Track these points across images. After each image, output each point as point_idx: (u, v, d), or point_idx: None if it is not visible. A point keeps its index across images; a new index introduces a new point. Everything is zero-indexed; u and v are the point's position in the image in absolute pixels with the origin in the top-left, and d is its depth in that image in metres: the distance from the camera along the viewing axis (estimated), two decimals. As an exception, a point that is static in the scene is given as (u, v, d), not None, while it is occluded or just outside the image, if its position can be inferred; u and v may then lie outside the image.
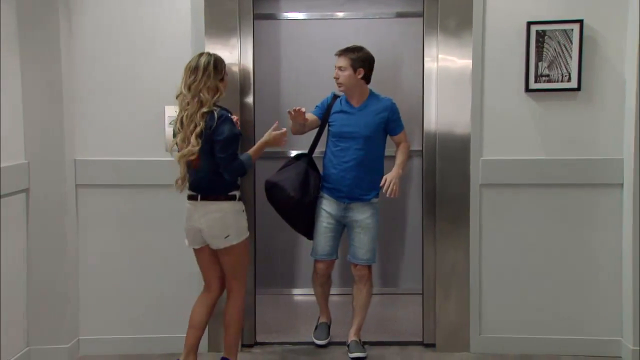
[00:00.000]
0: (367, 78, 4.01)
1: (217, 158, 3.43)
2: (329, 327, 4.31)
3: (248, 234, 3.62)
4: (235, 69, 4.01)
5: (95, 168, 4.04)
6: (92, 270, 4.10)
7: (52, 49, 3.85)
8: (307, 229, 4.13)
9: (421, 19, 4.15)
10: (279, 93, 5.17)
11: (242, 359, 4.04)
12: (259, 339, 4.28)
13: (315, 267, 4.18)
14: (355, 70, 3.94)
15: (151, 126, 4.00)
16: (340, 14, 5.24)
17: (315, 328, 4.34)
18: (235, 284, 3.62)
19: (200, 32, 3.97)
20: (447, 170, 4.07)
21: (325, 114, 4.07)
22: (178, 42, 3.97)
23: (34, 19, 3.82)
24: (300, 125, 3.98)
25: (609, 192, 4.01)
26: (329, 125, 4.07)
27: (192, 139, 3.38)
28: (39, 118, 3.88)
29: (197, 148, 3.38)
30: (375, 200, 4.04)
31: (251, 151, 3.63)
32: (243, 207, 3.60)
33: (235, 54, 4.02)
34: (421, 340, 4.26)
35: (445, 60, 4.02)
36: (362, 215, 4.00)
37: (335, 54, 3.99)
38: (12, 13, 3.76)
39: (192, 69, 3.44)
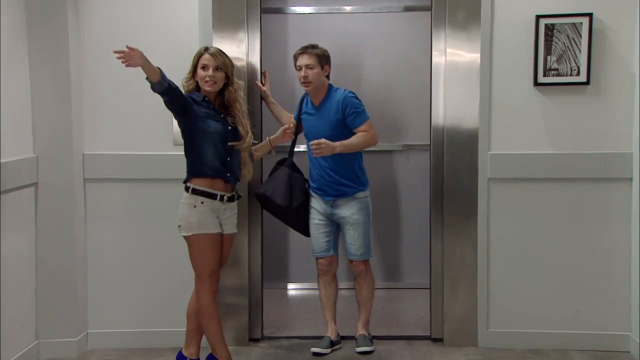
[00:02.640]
0: (328, 75, 3.97)
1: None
2: (332, 343, 4.06)
3: (202, 232, 3.44)
4: (243, 63, 4.01)
5: (103, 162, 4.05)
6: (101, 264, 4.11)
7: (60, 43, 3.86)
8: (305, 228, 4.10)
9: (429, 12, 4.13)
10: (286, 87, 5.16)
11: (250, 353, 4.05)
12: (266, 333, 4.28)
13: (317, 265, 4.14)
14: (322, 67, 3.89)
15: (158, 120, 4.00)
16: (348, 8, 5.23)
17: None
18: (197, 281, 3.53)
19: (207, 26, 3.97)
20: (455, 164, 4.06)
21: (299, 113, 4.08)
22: (186, 36, 3.97)
23: (43, 12, 3.83)
24: (284, 121, 4.12)
25: (618, 186, 3.99)
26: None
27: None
28: (47, 112, 3.89)
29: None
30: (361, 194, 3.98)
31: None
32: (196, 203, 3.43)
33: (243, 48, 4.02)
34: (429, 334, 4.25)
35: (454, 54, 4.01)
36: (349, 211, 3.95)
37: (298, 53, 3.91)
38: (20, 7, 3.76)
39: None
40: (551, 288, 4.07)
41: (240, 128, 3.56)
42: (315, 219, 4.03)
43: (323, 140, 3.73)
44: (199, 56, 3.53)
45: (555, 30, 3.88)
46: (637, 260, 3.93)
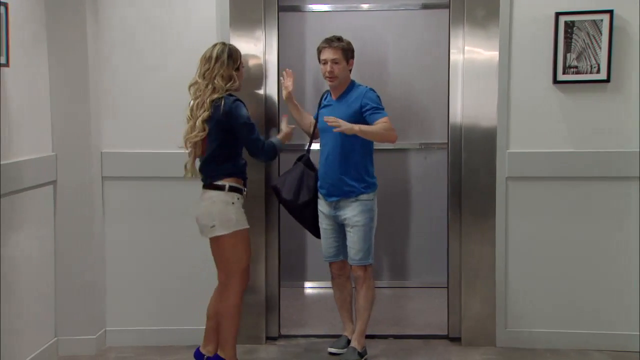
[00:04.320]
0: (351, 69, 3.88)
1: (246, 142, 3.46)
2: (349, 342, 3.96)
3: (241, 227, 3.48)
4: (260, 61, 4.01)
5: (121, 160, 4.07)
6: (119, 262, 4.13)
7: (79, 42, 3.88)
8: (311, 228, 4.01)
9: (447, 10, 4.10)
10: (304, 85, 5.16)
11: (267, 351, 4.06)
12: (283, 331, 4.28)
13: (330, 269, 4.05)
14: (347, 61, 3.79)
15: (176, 119, 4.00)
16: (365, 6, 5.21)
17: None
18: (228, 279, 3.53)
19: (225, 25, 3.98)
20: (473, 163, 4.03)
21: (318, 109, 3.98)
22: (203, 34, 3.97)
23: (62, 11, 3.85)
24: (306, 125, 4.04)
25: (638, 185, 3.94)
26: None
27: (199, 123, 3.41)
28: (66, 111, 3.92)
29: (203, 133, 3.41)
30: (364, 197, 3.79)
31: (280, 136, 3.71)
32: (234, 200, 3.46)
33: (260, 46, 4.02)
34: (446, 334, 4.23)
35: (472, 52, 3.98)
36: (350, 212, 3.79)
37: (323, 47, 3.77)
38: (40, 6, 3.79)
39: (207, 58, 3.49)
40: (571, 287, 4.04)
41: None
42: (324, 224, 3.92)
43: (341, 120, 3.59)
44: (241, 54, 3.59)
45: (575, 28, 3.84)
46: (657, 260, 3.89)
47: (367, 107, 3.72)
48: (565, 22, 3.84)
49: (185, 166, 3.55)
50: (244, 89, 3.83)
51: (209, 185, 3.50)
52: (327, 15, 5.23)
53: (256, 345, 4.08)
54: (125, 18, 4.02)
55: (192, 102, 3.47)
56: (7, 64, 3.37)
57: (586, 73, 3.87)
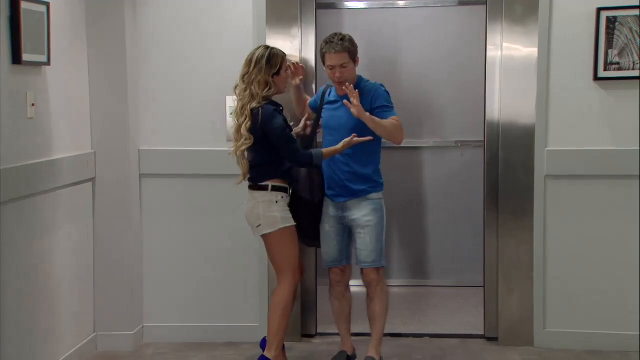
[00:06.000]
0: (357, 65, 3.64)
1: (284, 152, 3.47)
2: (349, 358, 3.80)
3: (287, 225, 3.50)
4: (296, 59, 4.01)
5: (158, 158, 4.10)
6: (156, 259, 4.17)
7: (118, 41, 3.93)
8: (314, 234, 3.74)
9: (484, 6, 4.07)
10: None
11: (302, 349, 4.06)
12: (320, 329, 4.28)
13: (329, 276, 3.81)
14: (354, 61, 3.58)
15: (213, 117, 4.04)
16: (402, 3, 5.18)
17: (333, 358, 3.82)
18: (279, 275, 3.58)
19: (261, 23, 3.99)
20: (511, 161, 3.99)
21: (320, 105, 3.75)
22: (240, 33, 3.99)
23: (101, 11, 3.90)
24: (299, 106, 3.87)
25: (681, 183, 3.87)
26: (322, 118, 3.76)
27: (244, 132, 3.43)
28: (104, 109, 3.97)
29: (250, 142, 3.43)
30: (374, 195, 3.62)
31: (326, 150, 3.55)
32: (277, 199, 3.50)
33: (296, 44, 4.02)
34: (482, 333, 4.20)
35: (510, 49, 3.94)
36: (360, 213, 3.60)
37: (328, 51, 3.50)
38: (80, 6, 3.84)
39: (247, 61, 3.49)
40: (611, 287, 3.97)
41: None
42: (326, 226, 3.70)
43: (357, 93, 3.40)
44: (282, 58, 3.53)
45: (617, 23, 3.77)
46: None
47: (378, 105, 3.55)
48: (607, 18, 3.77)
49: (243, 174, 3.56)
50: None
51: (253, 186, 3.54)
52: (363, 13, 5.21)
53: (292, 342, 4.06)
54: (163, 17, 4.05)
55: (237, 104, 3.50)
56: (48, 63, 3.43)
57: (628, 69, 3.81)
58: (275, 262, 3.59)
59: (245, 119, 3.43)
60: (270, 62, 3.47)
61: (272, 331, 3.55)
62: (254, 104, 3.43)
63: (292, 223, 3.54)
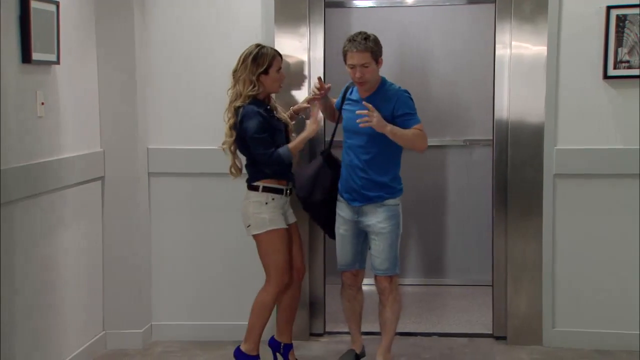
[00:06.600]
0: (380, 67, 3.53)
1: (254, 155, 3.46)
2: (357, 356, 3.79)
3: (274, 227, 3.47)
4: (304, 57, 4.01)
5: (167, 156, 4.12)
6: (164, 257, 4.18)
7: (127, 40, 3.94)
8: (326, 227, 3.78)
9: (493, 4, 4.05)
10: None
11: (310, 347, 4.06)
12: (328, 328, 4.28)
13: (341, 278, 3.79)
14: (377, 61, 3.44)
15: (221, 115, 4.03)
16: (410, 1, 5.17)
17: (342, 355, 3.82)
18: (266, 276, 3.56)
19: (270, 21, 3.99)
20: (520, 159, 3.98)
21: (341, 103, 3.68)
22: (248, 31, 3.99)
23: (110, 11, 3.91)
24: (330, 115, 3.79)
25: (691, 183, 3.85)
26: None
27: (226, 129, 3.48)
28: (113, 108, 3.98)
29: (231, 139, 3.46)
30: (390, 202, 3.53)
31: (291, 145, 3.48)
32: (268, 200, 3.46)
33: (305, 42, 4.02)
34: (491, 332, 4.19)
35: (519, 47, 3.93)
36: (375, 219, 3.52)
37: (350, 50, 3.39)
38: (90, 5, 3.85)
39: (238, 59, 3.49)
40: (620, 286, 3.96)
41: (281, 116, 3.58)
42: (341, 229, 3.65)
43: (376, 112, 3.32)
44: (272, 57, 3.46)
45: (627, 22, 3.75)
46: None
47: (401, 113, 3.43)
48: (617, 16, 3.76)
49: (230, 168, 3.59)
50: (288, 87, 3.84)
51: (248, 185, 3.55)
52: (372, 11, 5.20)
53: (300, 341, 4.07)
54: (171, 17, 4.06)
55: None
56: (57, 62, 3.44)
57: (638, 68, 3.79)
58: (262, 263, 3.57)
59: (229, 118, 3.46)
60: (257, 60, 3.42)
61: (248, 327, 3.59)
62: (239, 103, 3.43)
63: (282, 226, 3.50)
